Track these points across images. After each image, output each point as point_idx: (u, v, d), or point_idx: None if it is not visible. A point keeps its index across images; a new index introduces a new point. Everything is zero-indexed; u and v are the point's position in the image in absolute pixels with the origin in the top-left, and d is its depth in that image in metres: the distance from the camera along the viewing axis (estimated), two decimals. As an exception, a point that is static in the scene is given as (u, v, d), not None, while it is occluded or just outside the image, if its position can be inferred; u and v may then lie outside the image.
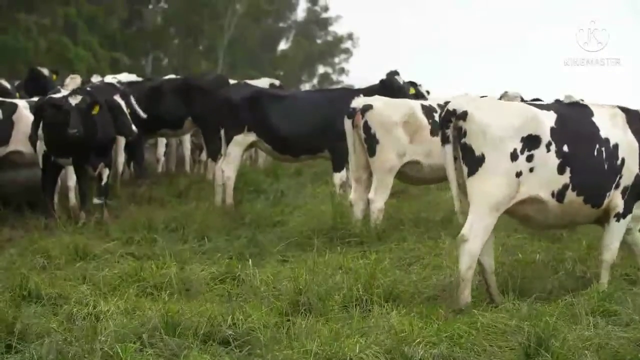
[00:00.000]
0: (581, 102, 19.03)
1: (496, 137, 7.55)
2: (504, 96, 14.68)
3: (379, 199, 10.77)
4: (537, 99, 13.64)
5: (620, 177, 7.96)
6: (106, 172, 12.14)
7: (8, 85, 17.16)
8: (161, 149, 17.23)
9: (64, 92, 13.14)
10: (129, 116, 12.26)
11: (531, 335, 6.35)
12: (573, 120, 7.89)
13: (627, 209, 8.06)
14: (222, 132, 12.89)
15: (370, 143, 10.86)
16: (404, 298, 7.64)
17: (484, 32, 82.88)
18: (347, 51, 63.69)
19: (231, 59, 54.15)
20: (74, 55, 36.93)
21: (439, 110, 11.02)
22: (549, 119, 7.77)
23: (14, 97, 14.67)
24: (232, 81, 16.09)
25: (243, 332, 6.59)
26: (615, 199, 7.99)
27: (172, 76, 18.41)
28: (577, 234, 9.92)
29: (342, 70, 64.30)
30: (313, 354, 6.15)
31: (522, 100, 12.32)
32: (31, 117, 12.64)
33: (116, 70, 25.31)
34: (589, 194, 7.87)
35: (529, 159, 7.61)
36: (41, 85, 15.73)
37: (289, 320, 6.96)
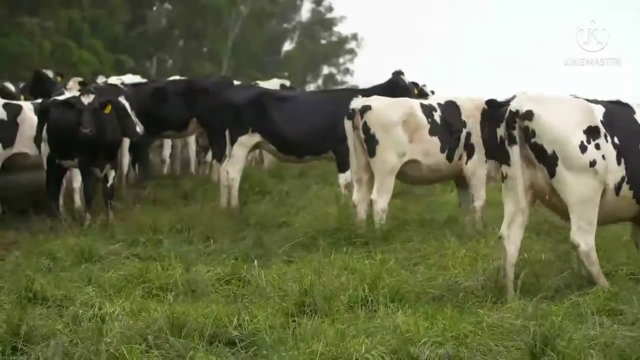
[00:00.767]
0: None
1: (563, 132, 7.66)
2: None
3: (381, 199, 10.73)
4: None
5: None
6: (112, 174, 12.16)
7: (12, 88, 17.19)
8: (166, 150, 17.26)
9: (67, 95, 13.16)
10: (133, 118, 12.26)
11: (537, 334, 6.33)
12: (618, 116, 7.99)
13: None
14: (227, 133, 12.89)
15: (370, 144, 10.83)
16: (409, 298, 7.64)
17: (487, 33, 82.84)
18: (351, 52, 63.65)
19: (235, 61, 54.18)
20: (78, 59, 36.97)
21: (438, 109, 11.10)
22: (599, 112, 7.89)
23: (18, 100, 14.68)
24: (235, 82, 16.09)
25: (249, 333, 6.60)
26: None
27: (177, 77, 18.44)
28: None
29: (346, 71, 64.26)
30: (319, 355, 6.15)
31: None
32: (35, 119, 12.68)
33: (121, 73, 25.34)
34: (638, 189, 7.94)
35: (597, 147, 7.72)
36: (46, 88, 15.74)
37: (294, 321, 6.96)
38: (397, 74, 13.58)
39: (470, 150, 11.12)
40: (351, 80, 61.41)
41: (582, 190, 7.68)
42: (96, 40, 40.08)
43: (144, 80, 17.91)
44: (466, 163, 11.13)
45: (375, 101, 11.05)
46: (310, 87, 58.68)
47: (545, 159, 7.70)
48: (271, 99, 12.99)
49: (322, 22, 62.56)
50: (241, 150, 12.86)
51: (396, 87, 13.16)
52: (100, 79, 17.70)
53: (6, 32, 35.52)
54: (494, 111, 8.03)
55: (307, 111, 12.86)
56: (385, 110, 10.88)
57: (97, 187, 12.29)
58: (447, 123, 11.07)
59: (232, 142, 12.84)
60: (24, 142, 12.86)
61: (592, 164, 7.70)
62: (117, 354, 6.16)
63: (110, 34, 42.49)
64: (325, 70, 64.67)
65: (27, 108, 13.05)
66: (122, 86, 14.97)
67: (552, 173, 7.71)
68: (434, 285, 8.03)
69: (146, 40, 49.57)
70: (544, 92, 8.09)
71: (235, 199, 12.78)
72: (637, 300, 7.35)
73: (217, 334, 6.59)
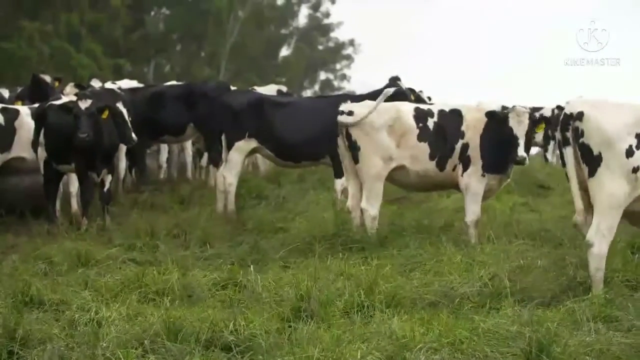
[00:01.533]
0: None
1: (611, 135, 7.80)
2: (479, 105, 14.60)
3: (371, 207, 10.64)
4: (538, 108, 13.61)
5: None
6: (109, 179, 12.17)
7: (7, 94, 17.17)
8: (163, 155, 17.25)
9: (65, 99, 13.16)
10: (129, 124, 12.27)
11: (532, 341, 6.35)
12: None
13: None
14: (224, 138, 12.91)
15: (353, 150, 10.76)
16: (405, 304, 7.65)
17: (486, 36, 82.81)
18: (348, 57, 63.69)
19: (233, 66, 54.22)
20: (77, 63, 36.99)
21: (436, 116, 10.82)
22: None
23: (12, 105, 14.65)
24: (232, 87, 16.09)
25: (245, 338, 6.61)
26: None
27: (174, 82, 18.43)
28: (578, 239, 9.93)
29: (343, 77, 64.29)
30: (315, 360, 6.17)
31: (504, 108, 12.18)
32: (33, 124, 12.69)
33: (119, 77, 25.33)
34: None
35: None
36: (43, 92, 15.75)
37: (290, 326, 6.98)
38: (394, 80, 13.60)
39: (466, 162, 10.78)
40: (348, 86, 61.49)
41: (615, 195, 7.81)
42: (95, 44, 40.10)
43: (141, 85, 17.89)
44: (461, 175, 10.79)
45: (361, 106, 10.93)
46: (307, 93, 58.73)
47: (590, 159, 7.90)
48: (268, 104, 13.00)
49: (320, 27, 62.61)
50: (238, 156, 12.87)
51: (392, 93, 13.14)
52: (94, 83, 17.64)
53: (6, 35, 35.54)
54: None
55: (304, 117, 12.87)
56: (368, 116, 10.73)
57: (94, 192, 12.30)
58: (442, 131, 10.76)
59: (229, 147, 12.86)
60: (22, 147, 12.87)
61: (636, 170, 7.82)
62: (113, 359, 6.17)
63: (109, 38, 42.52)
64: (322, 75, 64.73)
65: (25, 112, 13.07)
66: (119, 91, 14.97)
67: (592, 173, 7.89)
68: (430, 291, 8.04)
69: (144, 44, 49.60)
70: (604, 97, 8.31)
71: (232, 204, 12.79)
72: (632, 306, 7.38)
73: (213, 338, 6.60)
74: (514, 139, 10.50)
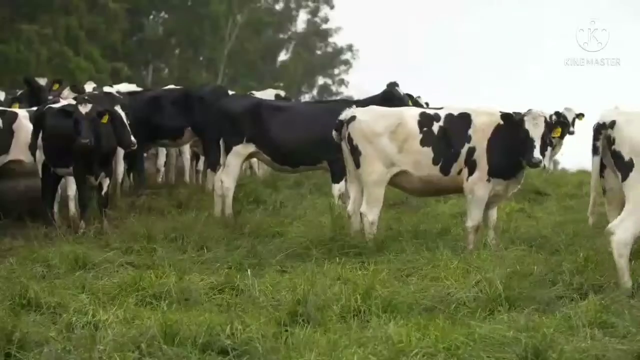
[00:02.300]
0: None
1: None
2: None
3: (370, 212, 10.63)
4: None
5: None
6: (106, 182, 12.17)
7: (1, 97, 17.17)
8: (161, 159, 17.26)
9: (63, 102, 13.18)
10: (128, 128, 12.28)
11: (528, 346, 6.37)
12: None
13: None
14: (222, 142, 12.92)
15: (354, 155, 10.77)
16: (402, 309, 7.66)
17: (486, 38, 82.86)
18: (346, 62, 63.76)
19: (231, 70, 54.26)
20: (75, 66, 37.00)
21: (442, 120, 10.74)
22: None
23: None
24: (230, 92, 16.11)
25: (241, 342, 6.61)
26: None
27: (172, 86, 18.45)
28: (574, 245, 9.96)
29: (341, 82, 64.35)
30: (311, 364, 6.18)
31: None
32: (31, 127, 12.71)
33: (117, 81, 25.37)
34: None
35: None
36: (38, 96, 15.75)
37: (287, 330, 6.98)
38: (392, 86, 13.63)
39: (472, 166, 10.65)
40: (346, 92, 61.56)
41: None
42: (93, 48, 40.12)
43: (140, 89, 17.90)
44: (466, 179, 10.65)
45: (363, 111, 10.93)
46: (305, 98, 58.76)
47: (622, 165, 8.39)
48: (266, 109, 13.02)
49: (318, 32, 62.67)
50: (236, 160, 12.89)
51: (391, 98, 13.19)
52: (89, 86, 17.61)
53: (5, 38, 35.56)
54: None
55: (302, 122, 12.89)
56: (369, 121, 10.71)
57: (92, 195, 12.31)
58: (447, 135, 10.67)
59: (227, 152, 12.87)
60: (20, 150, 12.89)
61: None
62: (110, 362, 6.18)
63: (107, 42, 42.53)
64: (321, 80, 64.77)
65: (23, 115, 13.09)
66: (117, 95, 14.98)
67: (624, 178, 8.39)
68: (426, 296, 8.06)
69: (143, 48, 49.64)
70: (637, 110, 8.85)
71: (229, 208, 12.80)
72: (628, 313, 7.40)
73: (210, 342, 6.60)
74: (530, 141, 10.38)
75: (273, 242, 10.99)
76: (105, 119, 11.77)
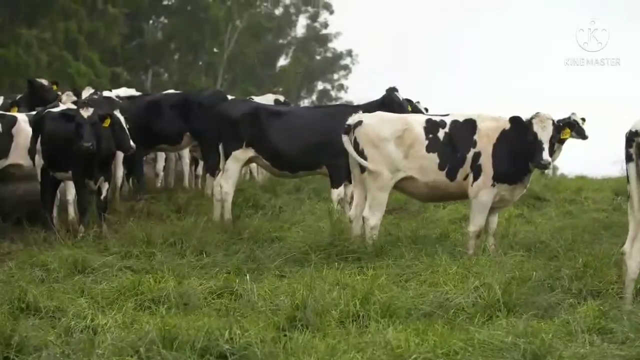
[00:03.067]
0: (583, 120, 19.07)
1: None
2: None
3: (373, 216, 10.67)
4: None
5: None
6: (105, 186, 12.17)
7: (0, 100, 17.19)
8: (160, 163, 17.25)
9: (63, 107, 13.19)
10: (127, 132, 12.28)
11: (527, 352, 6.38)
12: None
13: None
14: (221, 147, 12.93)
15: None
16: (400, 314, 7.67)
17: (485, 39, 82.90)
18: (346, 67, 63.83)
19: (231, 75, 54.30)
20: (74, 70, 37.03)
21: (448, 126, 10.78)
22: None
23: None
24: (230, 97, 16.10)
25: (240, 346, 6.61)
26: None
27: (171, 91, 18.45)
28: (573, 251, 9.97)
29: (341, 87, 64.42)
30: (310, 369, 6.18)
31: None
32: (30, 131, 12.71)
33: (116, 86, 25.34)
34: None
35: None
36: (42, 97, 15.77)
37: (286, 335, 6.98)
38: (391, 91, 13.64)
39: (477, 171, 10.69)
40: (345, 97, 61.62)
41: None
42: (93, 52, 40.15)
43: (139, 94, 17.90)
44: (471, 185, 10.69)
45: (370, 117, 10.99)
46: (305, 103, 58.79)
47: None
48: (265, 113, 13.02)
49: (317, 38, 62.74)
50: (235, 165, 12.89)
51: (390, 103, 13.20)
52: (87, 92, 17.61)
53: (4, 42, 35.58)
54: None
55: (301, 126, 12.89)
56: (376, 126, 10.77)
57: (91, 200, 12.31)
58: (453, 141, 10.72)
59: (226, 156, 12.87)
60: (19, 154, 12.91)
61: None
62: (109, 366, 6.18)
63: (106, 47, 42.56)
64: (320, 85, 64.83)
65: (22, 119, 13.10)
66: (116, 99, 14.98)
67: None
68: (425, 302, 8.06)
69: (142, 53, 49.67)
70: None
71: (228, 213, 12.80)
72: (627, 319, 7.40)
73: (209, 347, 6.60)
74: (539, 143, 10.43)
75: (272, 247, 10.99)
76: (106, 123, 11.78)
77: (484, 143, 10.71)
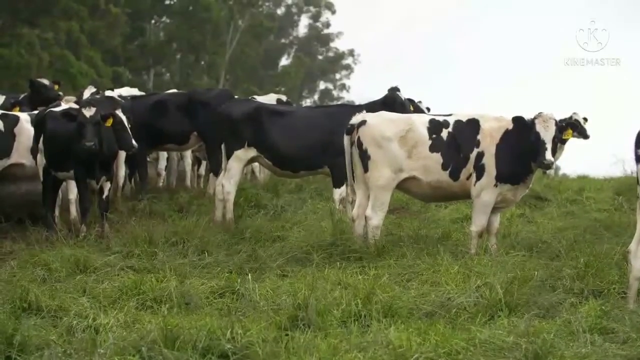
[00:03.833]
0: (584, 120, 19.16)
1: None
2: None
3: (375, 216, 10.68)
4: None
5: None
6: (107, 186, 12.17)
7: (0, 100, 17.20)
8: (162, 163, 17.25)
9: (65, 106, 13.18)
10: (129, 131, 12.28)
11: (529, 351, 6.38)
12: None
13: None
14: (223, 146, 12.93)
15: (363, 159, 10.81)
16: (402, 314, 7.67)
17: (483, 45, 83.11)
18: (348, 67, 63.92)
19: (232, 75, 54.33)
20: (76, 70, 37.05)
21: (451, 126, 10.81)
22: None
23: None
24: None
25: (242, 346, 6.62)
26: None
27: (175, 91, 18.43)
28: (575, 251, 9.97)
29: (342, 87, 64.52)
30: (311, 369, 6.19)
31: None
32: (32, 130, 12.73)
33: (119, 85, 25.34)
34: None
35: None
36: (44, 96, 15.79)
37: (287, 334, 6.99)
38: (393, 90, 13.64)
39: (479, 171, 10.72)
40: (347, 96, 61.70)
41: None
42: (94, 52, 40.18)
43: (142, 93, 17.89)
44: (474, 184, 10.71)
45: (374, 116, 10.99)
46: (307, 102, 58.83)
47: None
48: (267, 113, 13.02)
49: (319, 37, 62.78)
50: (237, 164, 12.89)
51: (392, 103, 13.19)
52: (88, 91, 17.61)
53: (6, 42, 35.61)
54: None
55: (303, 126, 12.89)
56: (379, 126, 10.79)
57: (93, 199, 12.32)
58: (456, 141, 10.75)
59: (228, 156, 12.88)
60: (21, 153, 12.92)
61: None
62: (111, 365, 6.19)
63: (108, 46, 42.60)
64: (322, 85, 64.89)
65: (24, 119, 13.12)
66: (119, 99, 14.97)
67: None
68: (427, 301, 8.07)
69: (144, 53, 49.69)
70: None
71: (230, 212, 12.80)
72: (628, 318, 7.41)
73: (211, 346, 6.61)
74: (542, 143, 10.46)
75: (274, 246, 10.99)
76: (109, 123, 11.78)
77: (487, 143, 10.74)
